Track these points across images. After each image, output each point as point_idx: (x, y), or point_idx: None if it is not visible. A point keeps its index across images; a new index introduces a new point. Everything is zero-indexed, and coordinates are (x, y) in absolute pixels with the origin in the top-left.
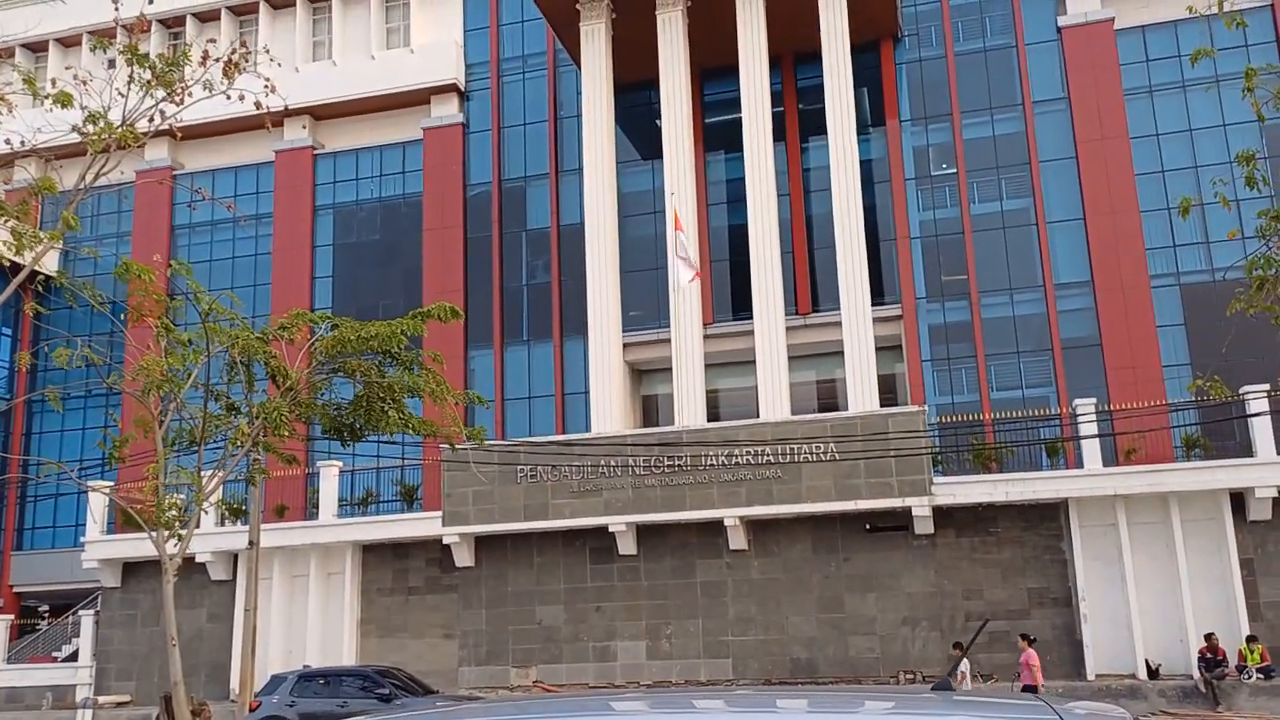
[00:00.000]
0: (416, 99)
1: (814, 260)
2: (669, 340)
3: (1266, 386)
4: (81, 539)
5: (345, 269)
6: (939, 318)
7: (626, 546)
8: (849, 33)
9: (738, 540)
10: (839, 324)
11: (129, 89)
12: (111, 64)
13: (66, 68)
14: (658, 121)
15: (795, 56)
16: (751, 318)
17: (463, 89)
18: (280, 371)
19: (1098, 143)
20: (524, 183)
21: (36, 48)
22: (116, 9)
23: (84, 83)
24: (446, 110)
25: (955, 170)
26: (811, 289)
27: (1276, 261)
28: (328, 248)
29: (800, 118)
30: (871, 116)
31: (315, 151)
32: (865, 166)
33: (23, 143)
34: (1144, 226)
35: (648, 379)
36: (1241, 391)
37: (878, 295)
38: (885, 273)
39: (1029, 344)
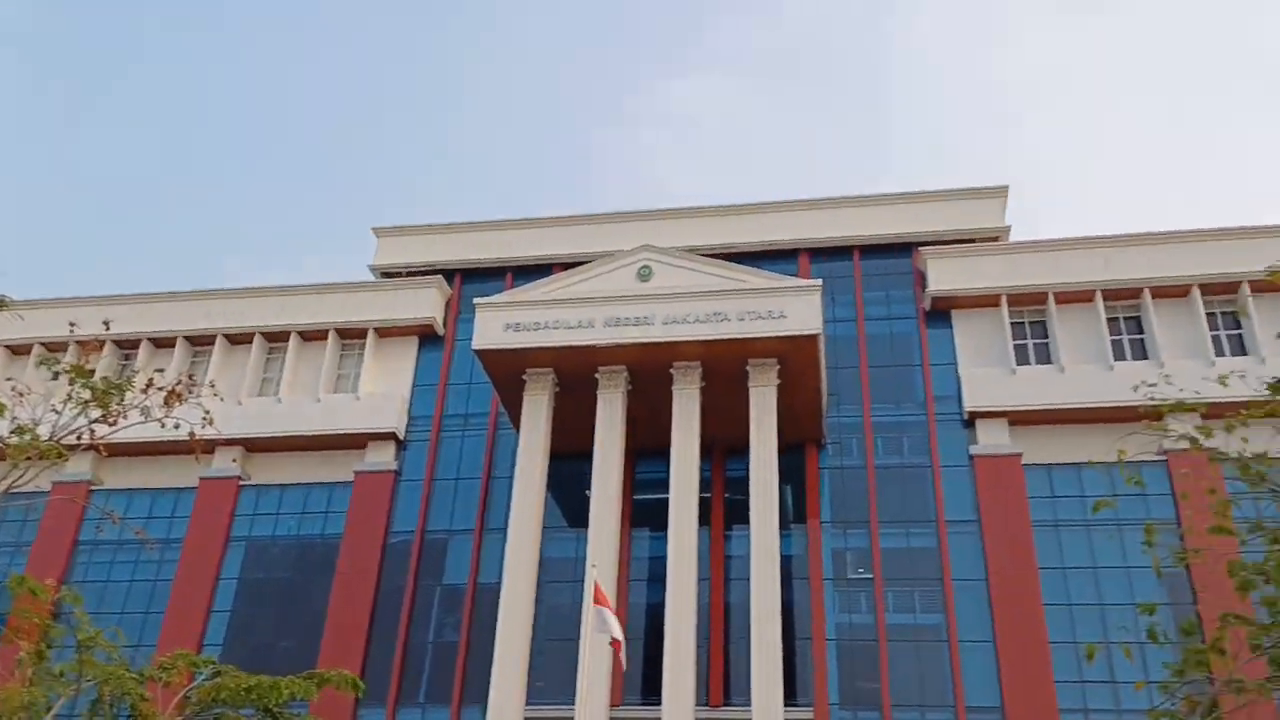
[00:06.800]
0: (354, 443)
1: (729, 650)
2: (572, 717)
3: None
4: None
5: (246, 605)
6: None
7: None
8: (777, 433)
9: None
10: None
11: (65, 406)
12: (55, 376)
13: (8, 379)
14: (587, 492)
15: (725, 448)
16: (660, 703)
17: (401, 438)
18: (148, 717)
19: (1008, 568)
20: (447, 536)
21: None
22: (72, 330)
23: (21, 395)
24: (382, 457)
25: (872, 577)
26: (725, 680)
27: (1178, 716)
28: (232, 581)
29: (726, 506)
30: (794, 514)
31: (241, 482)
32: (786, 561)
33: None
34: (1054, 657)
35: None
36: None
37: (790, 695)
38: (800, 672)
39: None
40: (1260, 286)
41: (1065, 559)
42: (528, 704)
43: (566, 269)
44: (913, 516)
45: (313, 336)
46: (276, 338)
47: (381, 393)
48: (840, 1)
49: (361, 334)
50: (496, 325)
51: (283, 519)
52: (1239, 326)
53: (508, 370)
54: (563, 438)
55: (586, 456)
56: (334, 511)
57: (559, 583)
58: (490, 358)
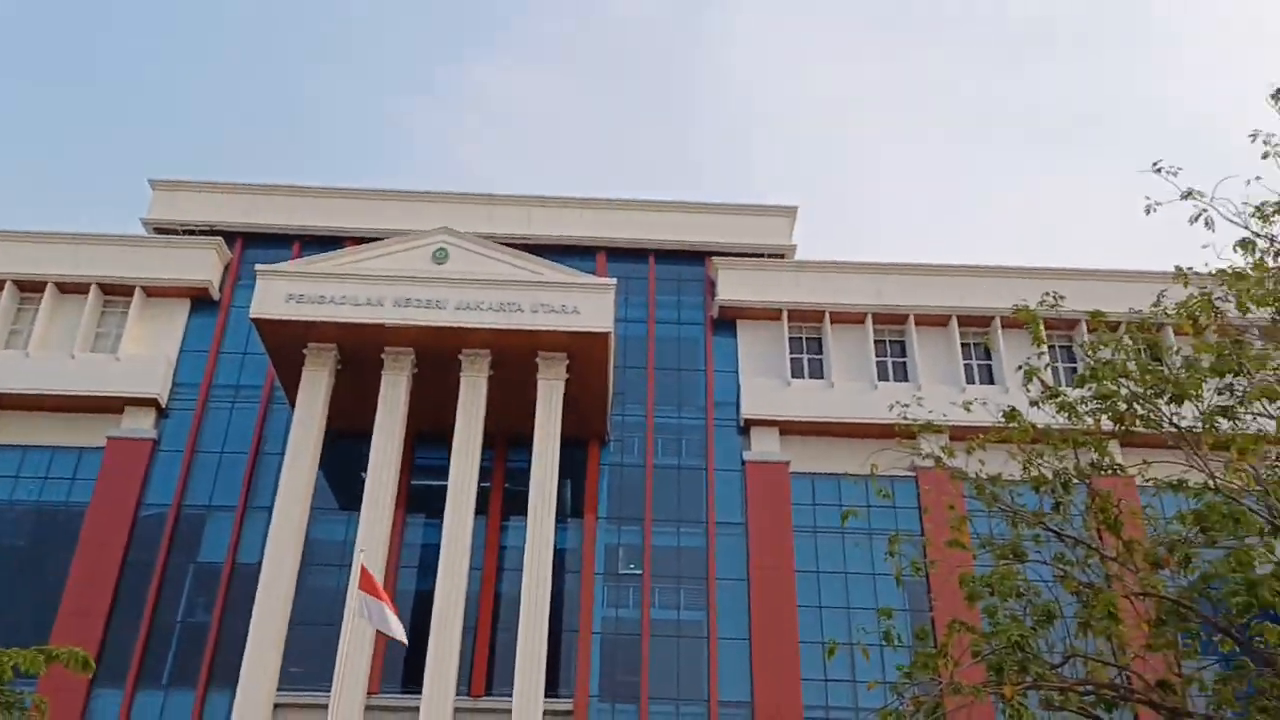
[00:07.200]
0: (110, 406)
1: (496, 641)
2: (326, 706)
3: None
4: None
5: None
6: (608, 719)
7: None
8: (561, 427)
9: None
10: (509, 712)
11: None
12: None
13: None
14: (363, 474)
15: (509, 439)
16: (420, 693)
17: (163, 405)
18: None
19: (768, 570)
20: (206, 511)
21: None
22: None
23: None
24: (140, 423)
25: (641, 573)
26: (488, 671)
27: (903, 715)
28: None
29: (505, 496)
30: (572, 508)
31: None
32: (560, 554)
33: None
34: (803, 656)
35: None
36: None
37: (552, 687)
38: (564, 664)
39: None
40: (1009, 322)
41: (820, 564)
42: (280, 689)
43: (359, 244)
44: (685, 516)
45: (72, 289)
46: (30, 287)
47: (145, 355)
48: (659, 9)
49: (128, 291)
50: (278, 294)
51: (23, 482)
52: (989, 357)
53: (287, 342)
54: (341, 417)
55: (365, 437)
56: (81, 478)
57: (325, 566)
58: (268, 328)
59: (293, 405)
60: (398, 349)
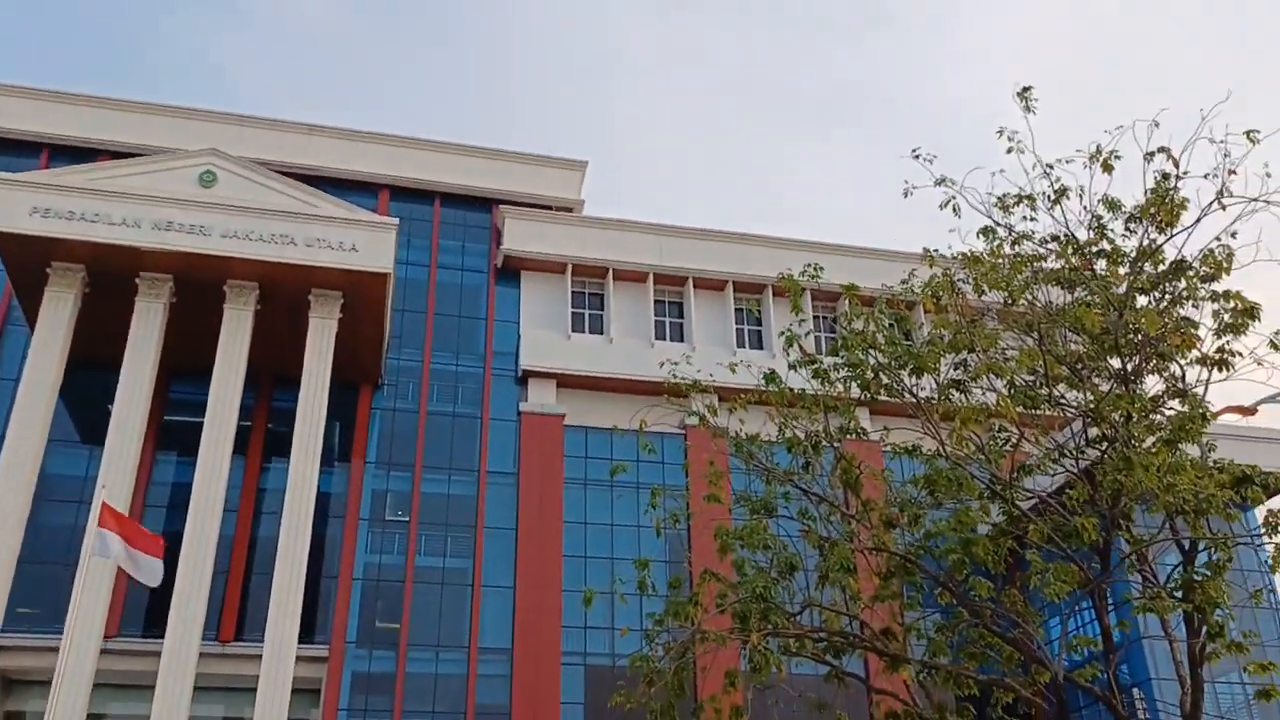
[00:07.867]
0: None
1: (249, 585)
2: (58, 649)
3: None
4: None
5: None
6: (365, 665)
7: None
8: (333, 368)
9: None
10: (260, 658)
11: None
12: None
13: None
14: (110, 406)
15: (275, 377)
16: (163, 637)
17: None
18: None
19: (536, 520)
20: None
21: None
22: None
23: None
24: None
25: (409, 519)
26: (240, 616)
27: (653, 661)
28: None
29: (267, 437)
30: (339, 452)
31: None
32: (323, 499)
33: None
34: (564, 605)
35: (19, 691)
36: None
37: (307, 633)
38: (321, 610)
39: (445, 705)
40: (780, 291)
41: (589, 515)
42: (5, 630)
43: (117, 159)
44: (458, 464)
45: None
46: None
47: None
48: None
49: None
50: (21, 206)
51: None
52: (760, 323)
53: (29, 260)
54: (88, 343)
55: (115, 367)
56: None
57: (63, 502)
58: (8, 242)
59: (32, 328)
60: (155, 275)
